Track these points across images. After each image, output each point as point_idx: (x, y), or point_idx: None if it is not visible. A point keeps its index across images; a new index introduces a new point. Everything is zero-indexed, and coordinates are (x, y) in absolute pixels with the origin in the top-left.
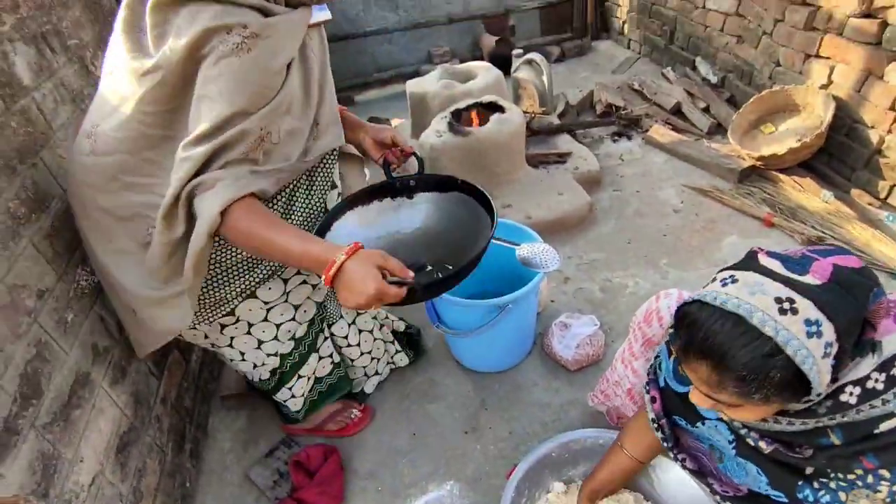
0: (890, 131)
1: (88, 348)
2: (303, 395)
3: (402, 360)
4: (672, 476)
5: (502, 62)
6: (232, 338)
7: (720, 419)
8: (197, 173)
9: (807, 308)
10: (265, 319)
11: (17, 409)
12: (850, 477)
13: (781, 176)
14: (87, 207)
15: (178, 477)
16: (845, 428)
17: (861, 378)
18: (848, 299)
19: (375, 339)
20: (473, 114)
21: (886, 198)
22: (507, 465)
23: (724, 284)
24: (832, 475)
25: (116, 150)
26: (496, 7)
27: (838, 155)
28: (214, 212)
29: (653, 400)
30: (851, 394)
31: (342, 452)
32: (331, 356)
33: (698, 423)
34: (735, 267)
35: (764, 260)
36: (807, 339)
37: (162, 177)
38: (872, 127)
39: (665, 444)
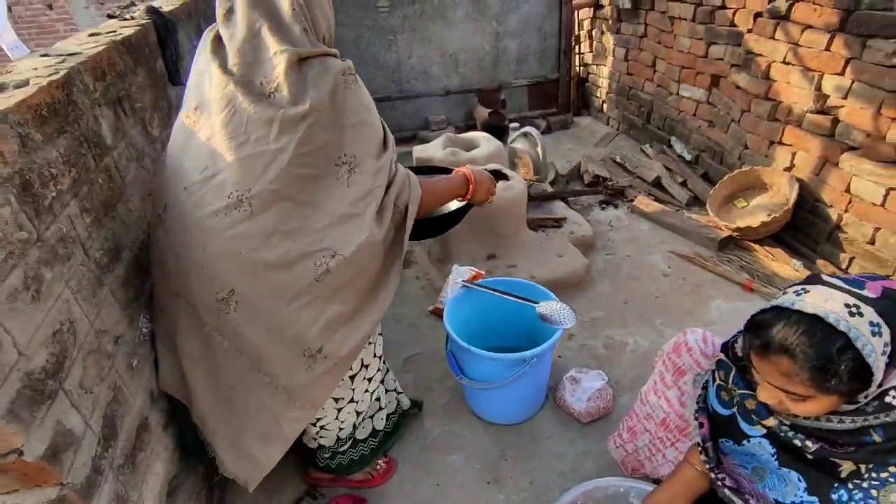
0: (847, 210)
1: (148, 393)
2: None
3: (405, 402)
4: None
5: (495, 132)
6: (354, 388)
7: (763, 436)
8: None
9: (870, 313)
10: (371, 363)
11: (101, 450)
12: (884, 475)
13: (755, 246)
14: (258, 274)
15: None
16: (887, 427)
17: None
18: None
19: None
20: None
21: (847, 268)
22: None
23: (798, 294)
24: (866, 476)
25: (275, 202)
26: (489, 83)
27: (804, 229)
28: (419, 190)
29: (700, 426)
30: (894, 397)
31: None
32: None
33: (744, 441)
34: (803, 283)
35: (827, 279)
36: (871, 337)
37: (315, 212)
38: (832, 206)
39: (708, 465)
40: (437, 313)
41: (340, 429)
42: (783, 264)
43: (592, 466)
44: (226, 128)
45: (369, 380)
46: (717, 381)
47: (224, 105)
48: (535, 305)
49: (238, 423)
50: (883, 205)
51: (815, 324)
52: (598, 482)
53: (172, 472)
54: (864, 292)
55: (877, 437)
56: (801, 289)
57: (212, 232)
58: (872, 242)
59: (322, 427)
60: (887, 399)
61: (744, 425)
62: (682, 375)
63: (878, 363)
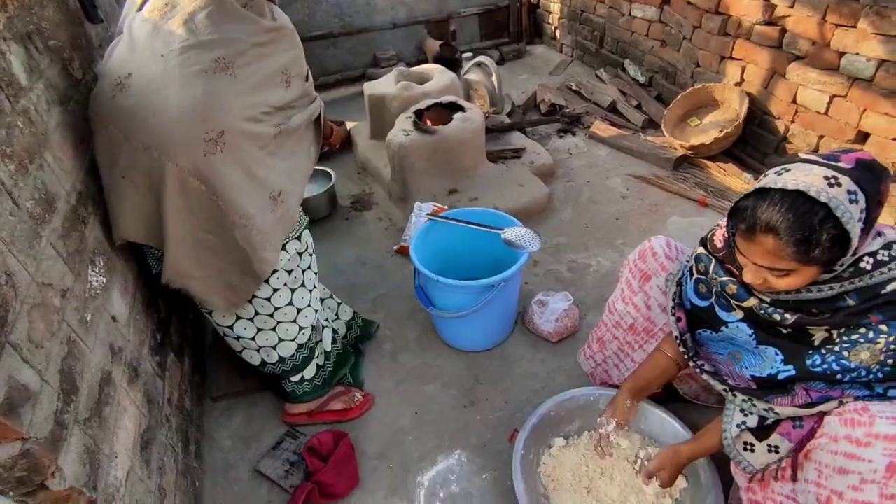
0: (793, 121)
1: (108, 347)
2: (330, 350)
3: (346, 312)
4: (655, 418)
5: (446, 65)
6: (304, 270)
7: (741, 320)
8: None
9: (847, 182)
10: (314, 253)
11: (62, 404)
12: (854, 337)
13: (708, 162)
14: (243, 121)
15: (189, 476)
16: (860, 291)
17: (873, 251)
18: (871, 177)
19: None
20: (427, 114)
21: None
22: (507, 432)
23: (780, 174)
24: (837, 341)
25: (247, 81)
26: (438, 13)
27: (753, 143)
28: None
29: (678, 320)
30: (867, 262)
31: (350, 437)
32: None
33: (722, 328)
34: (782, 163)
35: (804, 156)
36: (849, 205)
37: (270, 95)
38: (779, 118)
39: (686, 356)
40: (403, 252)
41: (301, 328)
42: (735, 178)
43: (564, 381)
44: (210, 18)
45: (316, 274)
46: (696, 275)
47: (210, 3)
48: (501, 232)
49: (215, 262)
50: (826, 112)
51: (797, 198)
52: (569, 393)
53: (144, 425)
54: (841, 164)
55: (851, 302)
56: (782, 168)
57: (207, 83)
58: (816, 150)
59: (279, 322)
60: (861, 265)
61: (721, 313)
62: (647, 280)
63: (855, 229)
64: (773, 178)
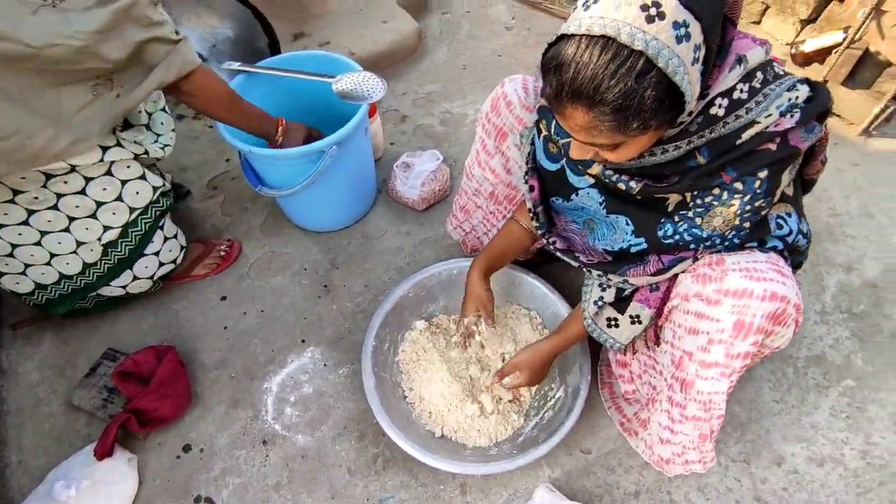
0: None
1: None
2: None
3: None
4: (525, 285)
5: None
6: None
7: (592, 186)
8: None
9: (673, 9)
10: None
11: None
12: (707, 199)
13: None
14: None
15: None
16: (711, 145)
17: (728, 90)
18: None
19: None
20: None
21: None
22: (367, 319)
23: (587, 7)
24: (691, 205)
25: None
26: None
27: None
28: (187, 63)
29: (531, 189)
30: (720, 106)
31: (182, 349)
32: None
33: (572, 196)
34: None
35: None
36: (676, 46)
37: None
38: None
39: (539, 231)
40: None
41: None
42: None
43: (431, 254)
44: None
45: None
46: (544, 133)
47: None
48: (332, 81)
49: None
50: None
51: (606, 49)
52: (429, 270)
53: None
54: None
55: (701, 159)
56: None
57: None
58: None
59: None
60: (712, 110)
61: (573, 178)
62: (504, 139)
63: (687, 77)
64: (577, 16)
